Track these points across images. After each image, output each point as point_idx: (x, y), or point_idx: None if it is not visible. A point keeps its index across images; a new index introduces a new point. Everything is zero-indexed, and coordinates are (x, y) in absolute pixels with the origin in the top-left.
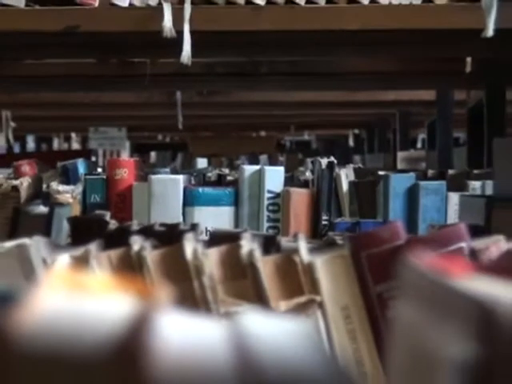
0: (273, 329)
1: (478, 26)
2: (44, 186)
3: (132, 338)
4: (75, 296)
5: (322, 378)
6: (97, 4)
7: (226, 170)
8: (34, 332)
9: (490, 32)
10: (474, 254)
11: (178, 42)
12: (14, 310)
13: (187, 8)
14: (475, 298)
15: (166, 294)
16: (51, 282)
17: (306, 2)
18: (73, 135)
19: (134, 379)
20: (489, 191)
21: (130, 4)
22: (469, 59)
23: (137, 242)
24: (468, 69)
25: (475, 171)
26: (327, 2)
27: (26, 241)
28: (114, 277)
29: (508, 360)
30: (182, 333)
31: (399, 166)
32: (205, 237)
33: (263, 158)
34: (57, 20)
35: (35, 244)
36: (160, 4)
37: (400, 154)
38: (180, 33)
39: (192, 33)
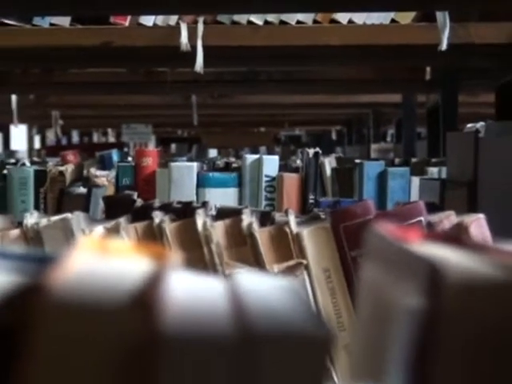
0: (264, 285)
1: (435, 41)
2: (85, 171)
3: (148, 290)
4: (104, 257)
5: (303, 325)
6: (127, 24)
7: (232, 159)
8: (69, 284)
9: (444, 46)
10: (430, 226)
11: (192, 54)
12: (55, 267)
13: (200, 27)
14: (426, 259)
15: (177, 258)
16: (85, 246)
17: (296, 23)
18: (109, 130)
19: (149, 322)
20: (443, 175)
21: (154, 24)
22: (428, 68)
23: (158, 216)
24: (427, 76)
25: (433, 160)
26: (313, 23)
27: (68, 215)
28: (136, 243)
29: (450, 310)
30: (188, 287)
31: (372, 155)
32: (213, 212)
33: (262, 149)
34: (95, 36)
35: (76, 218)
36: (178, 24)
37: (373, 146)
38: (194, 47)
39: (204, 47)
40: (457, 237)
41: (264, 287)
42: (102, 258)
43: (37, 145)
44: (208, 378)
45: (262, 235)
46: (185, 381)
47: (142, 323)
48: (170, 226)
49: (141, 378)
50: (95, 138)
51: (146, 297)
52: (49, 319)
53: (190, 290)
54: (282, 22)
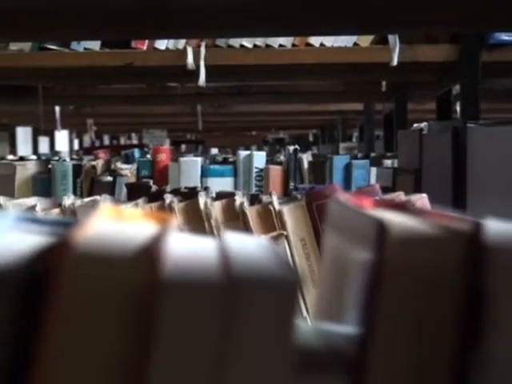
0: (247, 243)
1: (388, 60)
2: (112, 165)
3: (153, 245)
4: (119, 221)
5: (276, 271)
6: (145, 48)
7: (229, 155)
8: (89, 241)
9: (394, 63)
10: None
11: (196, 72)
12: (79, 228)
13: (202, 50)
14: (374, 219)
15: (175, 223)
16: (104, 213)
17: (279, 46)
18: (133, 135)
19: (152, 270)
20: (395, 165)
21: (166, 48)
22: (383, 82)
23: (168, 198)
24: (383, 88)
25: (388, 154)
26: (292, 45)
27: (97, 197)
28: (144, 211)
29: (393, 259)
30: (185, 243)
31: (340, 152)
32: (213, 195)
33: (253, 148)
34: (119, 58)
35: (103, 199)
36: (185, 47)
37: (341, 145)
38: (198, 66)
39: (206, 66)
40: (400, 204)
41: (248, 245)
42: (116, 222)
43: (76, 146)
44: (199, 313)
45: (251, 212)
46: (181, 315)
47: (147, 271)
48: (178, 206)
49: (146, 314)
50: (122, 140)
51: (151, 250)
52: (71, 267)
53: (187, 246)
54: (268, 46)
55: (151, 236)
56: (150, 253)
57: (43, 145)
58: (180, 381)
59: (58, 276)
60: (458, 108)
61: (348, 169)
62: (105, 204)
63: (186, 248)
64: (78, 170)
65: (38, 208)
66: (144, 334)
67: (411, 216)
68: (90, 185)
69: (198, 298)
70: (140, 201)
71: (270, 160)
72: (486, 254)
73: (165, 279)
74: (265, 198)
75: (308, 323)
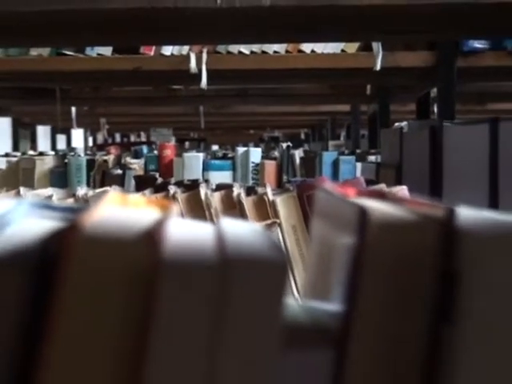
0: (242, 228)
1: (372, 65)
2: (122, 160)
3: (155, 229)
4: (124, 207)
5: (266, 253)
6: (152, 53)
7: (228, 151)
8: (96, 225)
9: (377, 68)
10: None
11: (199, 76)
12: (87, 214)
13: (204, 56)
14: (356, 206)
15: (175, 210)
16: (110, 200)
17: (273, 52)
18: (141, 133)
19: (154, 251)
20: (379, 161)
21: (171, 53)
22: (368, 86)
23: (172, 189)
24: (368, 92)
25: (372, 151)
26: (285, 52)
27: (108, 188)
28: (147, 199)
29: (374, 243)
30: (184, 227)
31: (329, 149)
32: (213, 187)
33: (251, 145)
34: (129, 63)
35: (113, 190)
36: (188, 53)
37: (330, 143)
38: (200, 70)
39: (207, 70)
40: (380, 193)
41: (241, 229)
42: (122, 208)
43: (90, 143)
44: (196, 291)
45: (247, 202)
46: (179, 292)
47: (149, 251)
48: (181, 196)
49: (147, 290)
50: (132, 138)
51: (153, 234)
52: (80, 248)
53: (186, 230)
54: (263, 52)
55: (153, 221)
56: (151, 236)
57: (61, 142)
58: (179, 350)
59: (67, 256)
60: (435, 109)
61: (336, 164)
62: (112, 192)
63: (185, 232)
64: (91, 164)
65: (54, 198)
66: (146, 309)
67: (390, 203)
68: (102, 177)
69: (195, 276)
70: (147, 191)
71: (266, 156)
72: (457, 237)
73: (165, 259)
74: (260, 190)
75: (297, 302)
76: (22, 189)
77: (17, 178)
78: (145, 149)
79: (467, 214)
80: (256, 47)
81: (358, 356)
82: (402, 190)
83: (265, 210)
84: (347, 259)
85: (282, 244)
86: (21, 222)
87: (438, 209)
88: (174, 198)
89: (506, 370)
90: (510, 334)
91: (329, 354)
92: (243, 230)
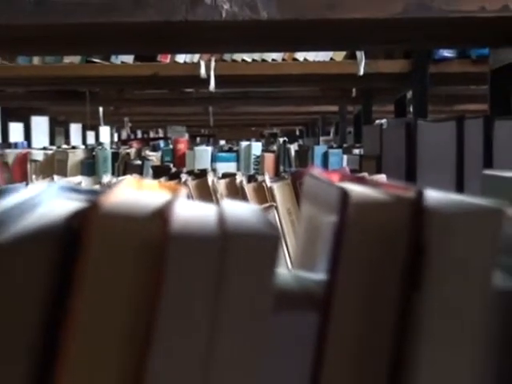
0: (241, 208)
1: (356, 71)
2: (142, 153)
3: (165, 208)
4: (139, 189)
5: (260, 228)
6: (168, 61)
7: (234, 145)
8: (114, 203)
9: (360, 73)
10: None
11: (208, 80)
12: (106, 195)
13: (212, 63)
14: (339, 188)
15: (184, 193)
16: (127, 184)
17: (272, 60)
18: (159, 130)
19: (164, 226)
20: (362, 153)
21: (184, 61)
22: (354, 89)
23: (184, 177)
24: (353, 94)
25: (356, 145)
26: (282, 59)
27: (129, 176)
28: (159, 184)
29: (353, 221)
30: (190, 207)
31: (320, 143)
32: (219, 175)
33: (252, 140)
34: (148, 69)
35: (133, 178)
36: (199, 61)
37: (321, 138)
38: (209, 75)
39: (215, 76)
40: (360, 178)
41: (240, 209)
42: (137, 191)
43: (115, 139)
44: (200, 260)
45: (248, 188)
46: (185, 261)
47: (160, 226)
48: (191, 183)
49: (158, 259)
50: (151, 134)
51: (163, 211)
52: (99, 224)
53: (192, 209)
54: (263, 60)
55: (164, 201)
56: (162, 213)
57: (90, 137)
58: (184, 310)
59: (88, 231)
60: (410, 109)
61: (326, 156)
62: (129, 178)
63: (191, 210)
64: (115, 156)
65: (83, 184)
66: (156, 275)
67: (368, 187)
68: (125, 167)
69: (198, 247)
70: (162, 179)
71: (265, 149)
72: (425, 215)
73: (173, 233)
74: (259, 178)
75: (289, 271)
76: (56, 177)
77: (52, 168)
78: (162, 143)
79: (433, 195)
80: (256, 55)
81: (339, 317)
82: (382, 178)
83: (263, 195)
84: (331, 235)
85: (278, 224)
86: (50, 202)
87: (409, 191)
88: (185, 184)
89: (463, 330)
90: (468, 298)
91: (314, 315)
92: (241, 210)
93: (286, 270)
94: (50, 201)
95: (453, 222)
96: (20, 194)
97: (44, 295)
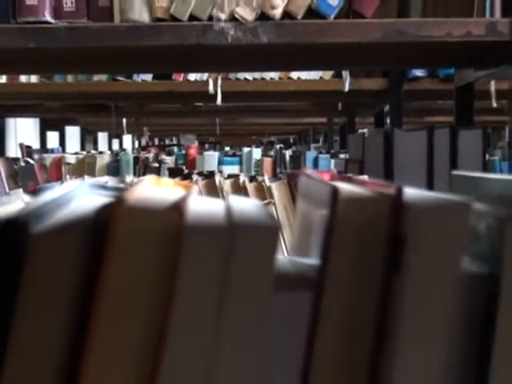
0: (245, 203)
1: (342, 88)
2: (159, 157)
3: (180, 202)
4: (157, 187)
5: (263, 219)
6: (181, 79)
7: (237, 151)
8: (137, 198)
9: (346, 90)
10: None
11: (215, 96)
12: (130, 191)
13: (219, 81)
14: (330, 186)
15: (196, 190)
16: (147, 182)
17: (270, 78)
18: (174, 138)
19: (179, 218)
20: (347, 157)
21: (195, 79)
22: (340, 103)
23: (195, 177)
24: (339, 108)
25: (342, 150)
26: (279, 78)
27: (149, 176)
28: (175, 182)
29: (342, 214)
30: (202, 202)
31: (311, 149)
32: (225, 176)
33: (253, 146)
34: (165, 86)
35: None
36: (207, 79)
37: (312, 145)
38: (216, 92)
39: (221, 92)
40: (347, 178)
41: (245, 204)
42: (156, 188)
43: (136, 145)
44: (210, 248)
45: (250, 187)
46: (198, 249)
47: (176, 219)
48: (201, 182)
49: (174, 247)
50: (166, 141)
51: (178, 205)
52: (123, 216)
53: (203, 203)
54: (262, 78)
55: (179, 196)
56: (178, 207)
57: (115, 144)
58: (198, 289)
59: (114, 222)
60: (388, 120)
61: (316, 160)
62: (149, 177)
63: (203, 204)
64: (136, 160)
65: (109, 183)
66: (173, 260)
67: (354, 185)
68: (144, 169)
69: (209, 237)
70: (176, 179)
71: (264, 154)
72: (404, 209)
73: (187, 223)
74: (259, 178)
75: (286, 257)
76: (86, 177)
77: (83, 169)
78: (175, 149)
79: (410, 192)
80: (257, 75)
81: (330, 297)
82: (364, 179)
83: (263, 193)
84: (322, 226)
85: (276, 218)
86: (81, 198)
87: (390, 188)
88: (196, 183)
89: (436, 305)
90: (440, 279)
91: (308, 295)
92: (246, 205)
93: (284, 257)
94: (81, 196)
95: (428, 214)
96: (56, 191)
97: (75, 278)
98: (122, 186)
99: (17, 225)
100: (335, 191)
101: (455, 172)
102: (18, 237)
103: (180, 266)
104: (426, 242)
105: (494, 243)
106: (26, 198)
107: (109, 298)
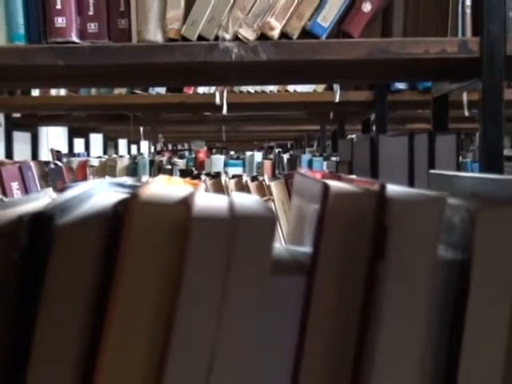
0: (247, 198)
1: (333, 99)
2: (172, 160)
3: (188, 197)
4: (168, 184)
5: (262, 212)
6: (191, 92)
7: (241, 155)
8: (149, 194)
9: (337, 100)
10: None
11: (221, 106)
12: (144, 187)
13: (225, 93)
14: (321, 183)
15: (202, 187)
16: (159, 180)
17: (270, 91)
18: (185, 143)
19: (187, 211)
20: (338, 159)
21: (203, 92)
22: (331, 112)
23: (203, 177)
24: (331, 116)
25: (333, 154)
26: (277, 91)
27: (161, 176)
28: (184, 180)
29: (332, 208)
30: (208, 197)
31: (306, 153)
32: (230, 176)
33: (255, 151)
34: (176, 98)
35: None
36: (215, 92)
37: (307, 149)
38: (222, 103)
39: (227, 103)
40: (337, 176)
41: (245, 199)
42: (167, 185)
43: (152, 150)
44: (215, 237)
45: (252, 186)
46: (204, 238)
47: (184, 211)
48: (209, 182)
49: (183, 236)
50: (178, 146)
51: (187, 200)
52: (138, 209)
53: (209, 199)
54: (263, 91)
55: (187, 193)
56: (186, 201)
57: (133, 149)
58: (204, 274)
59: (130, 214)
60: (374, 127)
61: (310, 162)
62: (160, 176)
63: (208, 199)
64: (152, 163)
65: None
66: (182, 249)
67: (343, 182)
68: (158, 171)
69: (213, 228)
70: (187, 179)
71: (265, 157)
72: (387, 202)
73: (194, 216)
74: (260, 178)
75: (283, 246)
76: (107, 177)
77: (105, 171)
78: (186, 153)
79: (392, 188)
80: (258, 88)
81: (321, 280)
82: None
83: (263, 191)
84: (314, 218)
85: (274, 212)
86: (101, 194)
87: (375, 185)
88: (204, 182)
89: (415, 288)
90: (418, 264)
91: (302, 279)
92: (247, 200)
93: (281, 245)
94: (101, 193)
95: (408, 207)
96: (78, 188)
97: (96, 263)
98: (137, 184)
99: (44, 217)
100: (326, 188)
101: (432, 171)
102: (45, 228)
103: (188, 253)
104: (407, 232)
105: (466, 233)
106: (53, 194)
107: (125, 279)
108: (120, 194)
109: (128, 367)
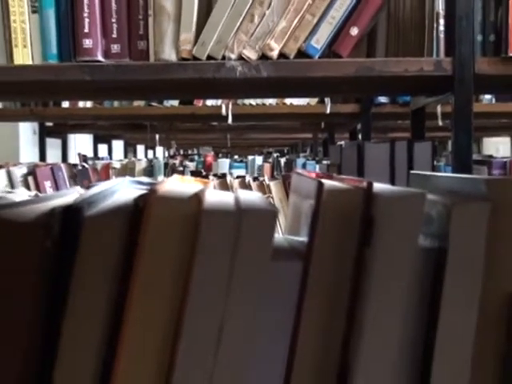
0: (250, 195)
1: (324, 111)
2: (184, 163)
3: (199, 193)
4: (182, 182)
5: (264, 206)
6: (200, 104)
7: (244, 158)
8: (165, 190)
9: (327, 112)
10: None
11: (227, 117)
12: (160, 185)
13: (230, 105)
14: (316, 181)
15: (211, 185)
16: (174, 178)
17: (269, 104)
18: (195, 149)
19: (198, 205)
20: (329, 162)
21: (211, 104)
22: (322, 123)
23: (211, 178)
24: (322, 126)
25: (325, 158)
26: (276, 104)
27: (175, 175)
28: (195, 179)
29: (325, 204)
30: (216, 194)
31: (300, 157)
32: (235, 176)
33: (256, 155)
34: (188, 110)
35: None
36: (221, 104)
37: (301, 155)
38: (228, 114)
39: (232, 114)
40: (330, 175)
41: (250, 195)
42: (180, 183)
43: (166, 154)
44: (223, 227)
45: (253, 185)
46: (213, 229)
47: (196, 205)
48: (216, 181)
49: (194, 228)
50: (189, 151)
51: (198, 195)
52: (155, 203)
53: (217, 195)
54: (263, 103)
55: (198, 189)
56: (197, 196)
57: (150, 154)
58: (212, 261)
59: (148, 207)
60: (360, 135)
61: (304, 165)
62: (175, 176)
63: (217, 195)
64: (166, 165)
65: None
66: (193, 239)
67: (335, 180)
68: (172, 172)
69: (222, 219)
70: (196, 179)
71: (265, 161)
72: (373, 198)
73: (205, 209)
74: (261, 178)
75: (281, 235)
76: (127, 178)
77: (126, 172)
78: (196, 157)
79: (379, 186)
80: (259, 101)
81: (316, 266)
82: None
83: (263, 189)
84: (310, 212)
85: None
86: (123, 190)
87: (362, 183)
88: (212, 182)
89: (398, 274)
90: (401, 251)
91: (299, 264)
92: (250, 195)
93: (280, 235)
94: (123, 189)
95: (392, 202)
96: (103, 185)
97: (120, 249)
98: (154, 182)
99: (74, 210)
100: (320, 185)
101: (413, 172)
102: (75, 219)
103: (199, 241)
104: (391, 224)
105: (442, 225)
106: (81, 191)
107: (144, 261)
108: (139, 190)
109: (145, 345)
